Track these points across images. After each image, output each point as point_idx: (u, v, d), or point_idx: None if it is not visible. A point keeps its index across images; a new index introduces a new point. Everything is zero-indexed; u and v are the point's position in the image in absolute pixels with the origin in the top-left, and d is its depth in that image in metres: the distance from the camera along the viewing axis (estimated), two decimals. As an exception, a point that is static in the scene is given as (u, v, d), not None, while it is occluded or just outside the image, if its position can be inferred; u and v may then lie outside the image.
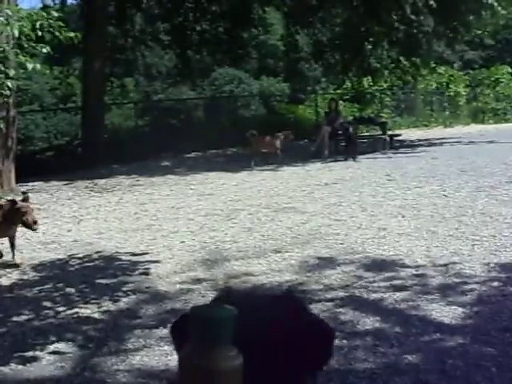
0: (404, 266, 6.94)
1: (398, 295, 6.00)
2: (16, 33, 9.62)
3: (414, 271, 6.73)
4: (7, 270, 7.71)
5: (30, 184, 14.96)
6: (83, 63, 21.19)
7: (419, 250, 7.50)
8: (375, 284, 6.38)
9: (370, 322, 5.38)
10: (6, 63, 11.03)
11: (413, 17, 19.15)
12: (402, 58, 23.68)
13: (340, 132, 18.35)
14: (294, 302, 1.36)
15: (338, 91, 29.76)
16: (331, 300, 5.95)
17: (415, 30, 20.87)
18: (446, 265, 6.87)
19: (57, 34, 10.60)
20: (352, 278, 6.60)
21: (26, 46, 10.73)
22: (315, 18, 22.68)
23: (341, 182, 12.99)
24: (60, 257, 8.27)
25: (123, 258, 8.02)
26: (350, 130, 17.91)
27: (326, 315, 5.48)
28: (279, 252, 7.79)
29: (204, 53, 24.67)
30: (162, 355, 4.89)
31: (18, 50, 11.06)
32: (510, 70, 33.23)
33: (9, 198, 8.81)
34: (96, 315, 5.97)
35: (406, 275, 6.60)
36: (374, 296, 6.03)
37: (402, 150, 19.13)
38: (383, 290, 6.17)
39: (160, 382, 4.60)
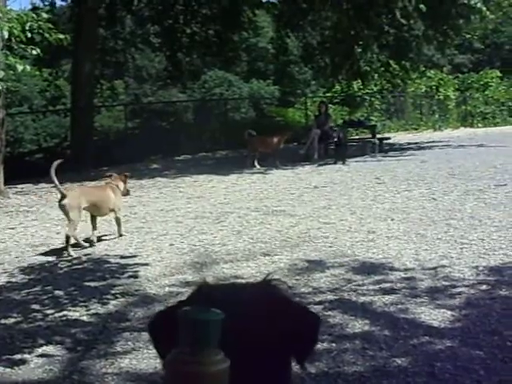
0: (393, 269, 6.95)
1: (387, 298, 6.01)
2: (5, 34, 9.60)
3: (402, 274, 6.73)
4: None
5: (19, 186, 14.93)
6: (73, 65, 21.15)
7: (408, 253, 7.52)
8: (364, 287, 6.38)
9: (358, 325, 5.39)
10: (-4, 65, 10.99)
11: (403, 20, 19.17)
12: (391, 62, 23.73)
13: (330, 135, 18.39)
14: (274, 291, 1.36)
15: (328, 94, 29.81)
16: (320, 303, 5.95)
17: (405, 34, 20.94)
18: (434, 268, 6.88)
19: (46, 35, 10.57)
20: (341, 281, 6.60)
21: (16, 47, 10.71)
22: (305, 21, 22.70)
23: (330, 185, 13.01)
24: (49, 259, 8.25)
25: (112, 260, 8.01)
26: (340, 134, 17.95)
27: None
28: (268, 255, 7.79)
29: (194, 55, 24.66)
30: (151, 358, 4.87)
31: (8, 52, 11.03)
32: (499, 74, 33.43)
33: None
34: (85, 318, 5.95)
35: (395, 278, 6.61)
36: (363, 299, 6.03)
37: (391, 153, 19.18)
38: (372, 293, 6.18)
39: (149, 385, 4.60)
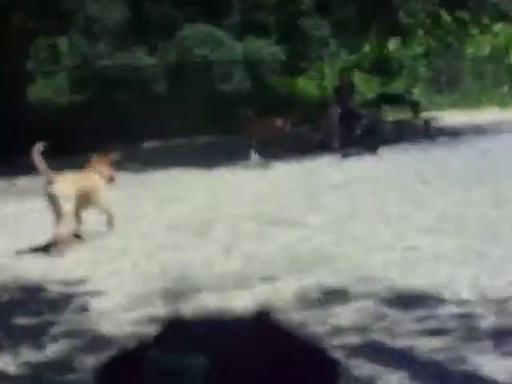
0: (443, 301, 6.95)
1: (434, 342, 6.00)
2: None
3: (456, 309, 6.74)
4: None
5: None
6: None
7: (464, 279, 7.52)
8: (402, 326, 6.38)
9: (395, 379, 5.39)
10: None
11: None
12: (443, 12, 23.73)
13: (356, 115, 18.41)
14: (271, 326, 1.36)
15: (353, 58, 29.80)
16: (342, 347, 5.95)
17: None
18: (501, 300, 6.88)
19: None
20: (370, 318, 6.60)
21: None
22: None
23: (355, 184, 13.02)
24: (-38, 286, 8.25)
25: (51, 287, 8.00)
26: (370, 114, 17.96)
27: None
28: (269, 280, 7.78)
29: (167, 3, 24.65)
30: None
31: None
32: None
33: None
34: (11, 369, 5.94)
35: (446, 314, 6.61)
36: (400, 343, 6.03)
37: (440, 139, 19.20)
38: (413, 335, 6.17)
39: None
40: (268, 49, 41.29)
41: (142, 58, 36.15)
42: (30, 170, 15.80)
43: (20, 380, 5.75)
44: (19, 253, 9.46)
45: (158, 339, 1.32)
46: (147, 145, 20.79)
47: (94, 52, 38.73)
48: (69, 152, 18.34)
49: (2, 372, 5.89)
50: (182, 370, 1.09)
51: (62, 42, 33.59)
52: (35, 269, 8.76)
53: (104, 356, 5.96)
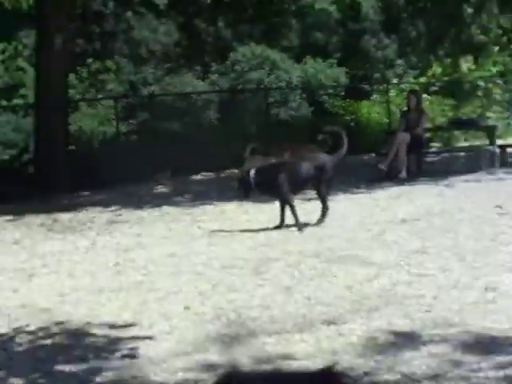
0: (525, 345, 6.89)
1: (517, 390, 5.94)
2: None
3: (540, 354, 6.67)
4: None
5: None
6: (37, 38, 21.38)
7: (548, 322, 7.44)
8: (481, 373, 6.32)
9: (473, 432, 5.33)
10: None
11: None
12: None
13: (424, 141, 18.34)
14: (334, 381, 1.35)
15: (422, 79, 29.76)
16: (414, 397, 5.91)
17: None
18: None
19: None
20: (445, 364, 6.54)
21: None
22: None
23: (426, 218, 12.95)
24: (1, 331, 8.30)
25: (97, 331, 8.03)
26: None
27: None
28: (333, 324, 7.75)
29: (219, 22, 24.79)
30: None
31: None
32: None
33: None
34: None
35: (529, 360, 6.55)
36: (479, 392, 5.98)
37: (518, 168, 19.07)
38: (494, 383, 6.11)
39: None
40: (329, 71, 41.44)
41: (191, 83, 36.43)
42: (70, 208, 16.04)
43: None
44: (62, 294, 9.51)
45: None
46: (197, 177, 20.86)
47: (140, 77, 39.12)
48: (112, 184, 18.51)
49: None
50: None
51: (108, 67, 34.00)
52: (79, 312, 8.80)
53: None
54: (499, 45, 24.76)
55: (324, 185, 13.38)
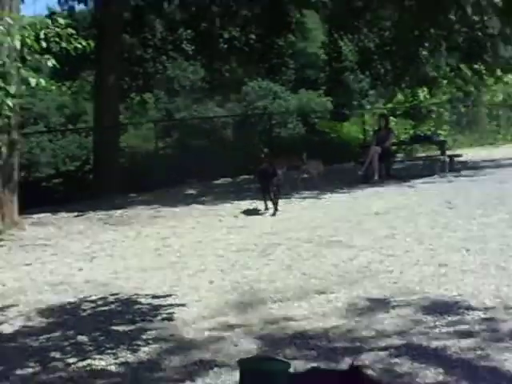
0: (470, 308, 6.87)
1: (464, 343, 5.93)
2: (17, 44, 9.66)
3: (481, 314, 6.65)
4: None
5: (35, 216, 15.11)
6: (95, 77, 21.45)
7: (487, 290, 7.42)
8: (436, 330, 6.32)
9: (431, 375, 5.32)
10: (7, 79, 11.08)
11: (475, 17, 19.05)
12: (462, 66, 23.55)
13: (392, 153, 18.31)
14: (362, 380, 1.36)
15: (389, 105, 29.68)
16: (385, 349, 5.90)
17: (478, 33, 20.76)
18: (519, 307, 6.79)
19: (64, 44, 10.65)
20: (409, 323, 6.54)
21: (30, 58, 10.79)
22: (361, 21, 22.69)
23: (393, 211, 12.93)
24: (70, 300, 8.31)
25: (143, 300, 8.04)
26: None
27: (380, 366, 5.44)
28: (323, 293, 7.76)
29: (233, 63, 24.78)
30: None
31: (20, 64, 11.14)
32: None
33: None
34: (112, 367, 5.97)
35: (473, 319, 6.54)
36: (435, 344, 5.97)
37: (464, 172, 18.99)
38: (446, 337, 6.11)
39: None
40: (318, 100, 41.41)
41: (212, 109, 36.46)
42: (121, 206, 16.04)
43: (119, 377, 5.77)
44: (116, 272, 9.53)
45: None
46: (218, 182, 20.84)
47: (173, 106, 39.16)
48: (153, 188, 18.53)
49: (104, 370, 5.92)
50: (268, 372, 1.09)
51: (148, 98, 34.01)
52: (129, 285, 8.82)
53: (188, 358, 5.98)
54: (447, 79, 24.69)
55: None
